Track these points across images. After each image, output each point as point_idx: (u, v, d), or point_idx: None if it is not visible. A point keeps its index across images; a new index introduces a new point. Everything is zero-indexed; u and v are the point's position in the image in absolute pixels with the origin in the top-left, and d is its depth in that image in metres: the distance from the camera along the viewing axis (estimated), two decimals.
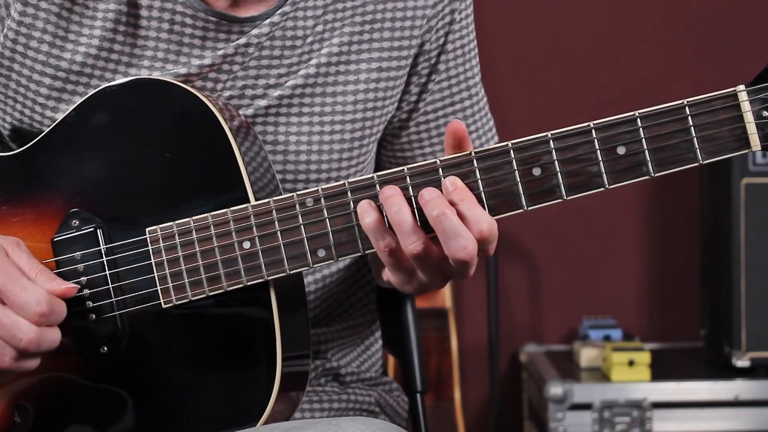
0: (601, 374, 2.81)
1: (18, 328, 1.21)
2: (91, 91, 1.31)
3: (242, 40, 1.36)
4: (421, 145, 1.50)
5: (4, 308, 1.21)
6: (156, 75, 1.36)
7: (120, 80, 1.31)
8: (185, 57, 1.36)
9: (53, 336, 1.23)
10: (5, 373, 1.26)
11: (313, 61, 1.38)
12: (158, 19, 1.36)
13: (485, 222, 1.16)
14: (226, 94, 1.37)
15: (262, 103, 1.38)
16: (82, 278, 1.28)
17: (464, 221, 1.16)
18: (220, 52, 1.36)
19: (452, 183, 1.18)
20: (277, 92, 1.38)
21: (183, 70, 1.36)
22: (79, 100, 1.34)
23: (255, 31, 1.36)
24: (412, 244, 1.17)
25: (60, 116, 1.35)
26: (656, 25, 3.20)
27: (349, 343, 1.56)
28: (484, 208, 1.18)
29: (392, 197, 1.18)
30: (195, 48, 1.36)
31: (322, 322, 1.52)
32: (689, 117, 1.16)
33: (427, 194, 1.17)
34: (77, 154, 1.30)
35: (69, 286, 1.25)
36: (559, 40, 3.20)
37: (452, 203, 1.17)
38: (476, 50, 1.51)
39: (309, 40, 1.38)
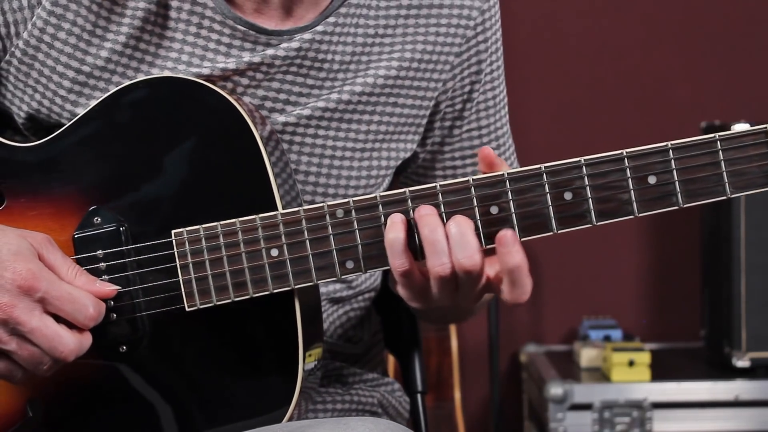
0: (601, 374, 2.81)
1: (59, 339, 1.19)
2: (113, 88, 1.31)
3: (270, 51, 1.35)
4: None
5: (45, 317, 1.20)
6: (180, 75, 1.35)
7: (147, 77, 1.30)
8: (209, 62, 1.36)
9: (89, 342, 1.22)
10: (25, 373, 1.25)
11: (337, 89, 1.39)
12: (186, 21, 1.35)
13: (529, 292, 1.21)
14: (246, 100, 1.36)
15: (280, 118, 1.37)
16: (103, 277, 1.26)
17: (511, 285, 1.19)
18: (245, 59, 1.35)
19: (513, 235, 1.19)
20: (296, 111, 1.38)
21: (206, 72, 1.35)
22: (99, 95, 1.33)
23: (284, 45, 1.36)
24: (441, 265, 1.19)
25: (79, 110, 1.34)
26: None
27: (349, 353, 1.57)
28: (515, 231, 1.20)
29: (427, 216, 1.19)
30: (220, 54, 1.36)
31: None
32: (720, 151, 1.18)
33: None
34: (99, 150, 1.29)
35: (111, 288, 1.24)
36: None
37: (507, 268, 1.19)
38: (506, 98, 1.52)
39: (336, 66, 1.38)
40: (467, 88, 1.46)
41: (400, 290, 1.24)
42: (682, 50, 3.20)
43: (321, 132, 1.39)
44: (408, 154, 1.47)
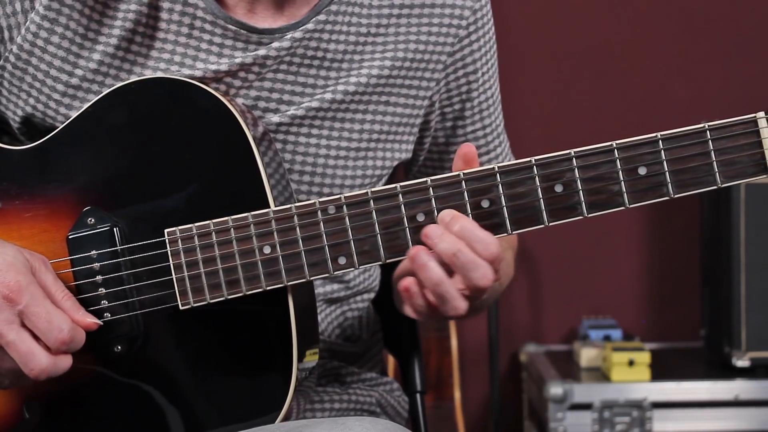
0: (601, 374, 2.81)
1: (32, 356, 1.19)
2: (106, 90, 1.31)
3: (262, 52, 1.36)
4: None
5: (22, 332, 1.19)
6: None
7: (138, 78, 1.30)
8: (201, 63, 1.36)
9: (65, 365, 1.21)
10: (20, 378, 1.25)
11: (330, 88, 1.39)
12: (178, 23, 1.35)
13: (493, 244, 1.19)
14: (239, 101, 1.37)
15: (274, 119, 1.38)
16: (97, 277, 1.27)
17: (474, 248, 1.19)
18: (237, 60, 1.35)
19: (448, 213, 1.20)
20: (290, 111, 1.38)
21: (198, 74, 1.35)
22: (92, 97, 1.33)
23: (275, 44, 1.36)
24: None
25: (73, 113, 1.34)
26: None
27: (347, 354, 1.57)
28: (506, 223, 1.20)
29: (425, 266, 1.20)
30: (212, 54, 1.36)
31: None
32: (710, 141, 1.18)
33: (434, 231, 1.19)
34: (93, 151, 1.30)
35: (94, 321, 1.24)
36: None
37: (456, 236, 1.19)
38: (498, 96, 1.54)
39: (326, 64, 1.39)
40: (464, 88, 1.47)
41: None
42: (682, 50, 3.20)
43: (314, 131, 1.39)
44: (406, 155, 1.47)
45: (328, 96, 1.39)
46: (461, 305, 1.21)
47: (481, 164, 1.49)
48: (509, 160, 1.55)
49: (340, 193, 1.40)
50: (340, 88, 1.39)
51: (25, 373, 1.20)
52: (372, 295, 1.58)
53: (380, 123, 1.42)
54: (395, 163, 1.46)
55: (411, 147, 1.47)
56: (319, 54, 1.38)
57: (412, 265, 1.20)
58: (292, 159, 1.39)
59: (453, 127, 1.49)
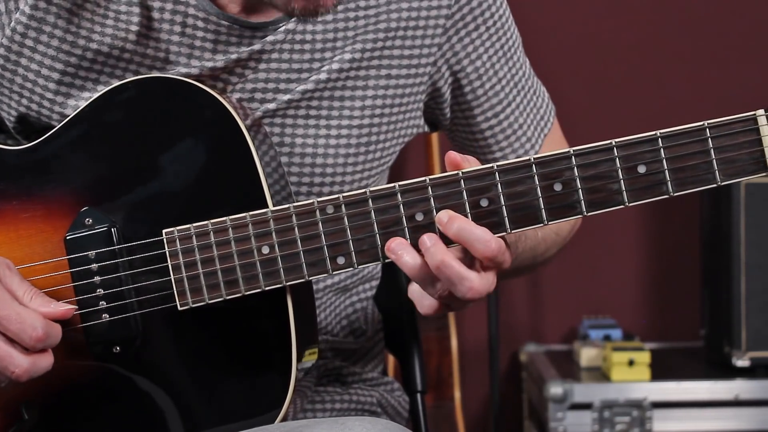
0: (601, 374, 2.81)
1: (10, 359, 1.19)
2: (102, 88, 1.31)
3: (257, 46, 1.36)
4: (500, 147, 1.51)
5: None
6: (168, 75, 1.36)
7: (134, 78, 1.30)
8: (196, 60, 1.36)
9: (46, 363, 1.22)
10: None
11: (325, 68, 1.38)
12: (170, 21, 1.35)
13: (492, 240, 1.18)
14: (236, 96, 1.37)
15: (271, 106, 1.37)
16: (95, 278, 1.27)
17: (474, 248, 1.17)
18: (233, 57, 1.35)
19: (445, 213, 1.19)
20: (286, 96, 1.38)
21: (195, 72, 1.35)
22: (87, 95, 1.33)
23: (270, 38, 1.36)
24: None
25: (68, 112, 1.34)
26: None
27: (349, 352, 1.57)
28: (505, 222, 1.20)
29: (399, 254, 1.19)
30: (206, 51, 1.36)
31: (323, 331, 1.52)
32: (709, 139, 1.18)
33: (424, 244, 1.18)
34: (90, 151, 1.30)
35: (67, 308, 1.24)
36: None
37: (454, 237, 1.18)
38: (518, 41, 1.52)
39: (319, 46, 1.38)
40: (470, 48, 1.45)
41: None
42: (682, 50, 3.20)
43: (312, 113, 1.39)
44: (414, 131, 1.46)
45: (323, 76, 1.38)
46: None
47: (506, 118, 1.47)
48: (549, 106, 1.54)
49: (344, 171, 1.40)
50: (335, 66, 1.39)
51: (6, 376, 1.20)
52: (376, 282, 1.58)
53: (382, 97, 1.41)
54: (403, 140, 1.45)
55: (421, 122, 1.46)
56: (308, 37, 1.38)
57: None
58: (292, 142, 1.39)
59: (471, 89, 1.47)
